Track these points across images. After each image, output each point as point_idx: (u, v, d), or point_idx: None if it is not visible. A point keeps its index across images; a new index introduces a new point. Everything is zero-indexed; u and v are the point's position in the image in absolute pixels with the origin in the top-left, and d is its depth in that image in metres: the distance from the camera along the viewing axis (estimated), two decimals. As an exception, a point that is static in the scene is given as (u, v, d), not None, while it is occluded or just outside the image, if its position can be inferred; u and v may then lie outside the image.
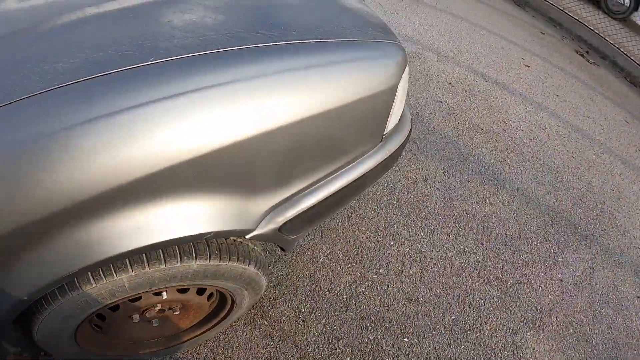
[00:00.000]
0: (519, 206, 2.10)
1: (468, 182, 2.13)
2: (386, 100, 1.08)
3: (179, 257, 0.89)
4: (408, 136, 1.32)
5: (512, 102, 2.90)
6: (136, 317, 1.03)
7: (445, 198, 2.00)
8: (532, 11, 4.73)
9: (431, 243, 1.78)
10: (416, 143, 2.30)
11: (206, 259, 0.94)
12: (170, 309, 1.09)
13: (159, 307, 1.05)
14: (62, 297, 0.82)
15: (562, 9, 4.45)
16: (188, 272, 0.93)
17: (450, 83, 2.90)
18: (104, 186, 0.68)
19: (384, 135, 1.18)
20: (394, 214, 1.85)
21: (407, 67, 1.14)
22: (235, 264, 1.00)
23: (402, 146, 1.29)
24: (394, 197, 1.93)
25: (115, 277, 0.83)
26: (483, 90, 2.91)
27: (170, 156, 0.73)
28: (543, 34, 4.23)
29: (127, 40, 0.78)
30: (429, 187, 2.04)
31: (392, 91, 1.08)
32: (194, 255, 0.92)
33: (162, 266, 0.88)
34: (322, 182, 1.09)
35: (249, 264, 1.05)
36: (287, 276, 1.55)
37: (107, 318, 1.01)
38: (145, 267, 0.85)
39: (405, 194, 1.97)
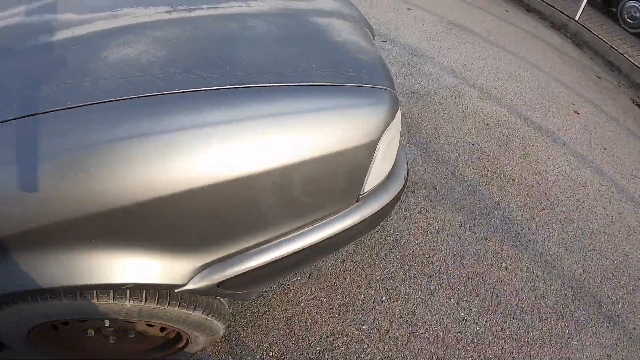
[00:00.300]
0: (539, 274, 1.91)
1: (486, 239, 1.97)
2: (361, 158, 0.96)
3: (111, 296, 0.88)
4: (398, 196, 1.18)
5: (554, 152, 2.69)
6: (91, 332, 1.03)
7: (455, 255, 1.85)
8: (591, 52, 4.41)
9: (428, 305, 1.64)
10: (435, 188, 2.16)
11: (141, 301, 0.91)
12: (125, 331, 1.07)
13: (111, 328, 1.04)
14: (11, 306, 0.85)
15: (622, 52, 4.12)
16: (122, 310, 0.91)
17: (487, 124, 2.73)
18: (30, 225, 0.70)
19: (360, 195, 1.05)
20: (393, 266, 1.73)
21: (396, 118, 1.00)
22: (176, 308, 0.96)
23: (387, 207, 1.15)
24: (397, 247, 1.81)
25: (49, 302, 0.85)
26: (523, 136, 2.72)
27: (86, 207, 0.71)
28: (599, 78, 3.93)
29: (56, 79, 0.76)
30: (439, 240, 1.90)
31: (369, 148, 0.95)
32: (127, 296, 0.90)
33: (94, 301, 0.87)
34: (275, 241, 0.98)
35: (194, 309, 1.00)
36: (262, 315, 1.47)
37: (60, 328, 1.01)
38: (77, 299, 0.86)
39: (412, 244, 1.84)
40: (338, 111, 0.90)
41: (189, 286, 0.89)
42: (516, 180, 2.36)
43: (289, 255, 1.00)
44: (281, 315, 1.48)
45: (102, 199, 0.71)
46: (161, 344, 1.22)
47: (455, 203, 2.10)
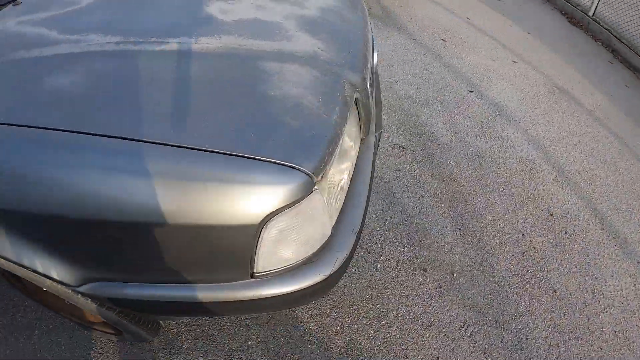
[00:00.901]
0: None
1: (485, 353, 1.67)
2: (242, 238, 0.89)
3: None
4: (314, 288, 1.01)
5: (621, 269, 2.23)
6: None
7: (437, 359, 1.60)
8: None
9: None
10: (453, 274, 1.90)
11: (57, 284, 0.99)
12: None
13: None
14: None
15: None
16: (44, 284, 0.99)
17: (551, 214, 2.35)
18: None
19: (255, 273, 0.97)
20: (360, 344, 1.54)
21: (302, 205, 0.88)
22: (83, 300, 1.03)
23: (296, 296, 1.01)
24: (374, 325, 1.62)
25: None
26: (590, 239, 2.29)
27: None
28: None
29: None
30: (427, 335, 1.65)
31: (250, 230, 0.87)
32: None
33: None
34: (157, 283, 1.00)
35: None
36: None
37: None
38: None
39: (392, 329, 1.63)
40: (218, 183, 0.83)
41: (82, 289, 1.00)
42: (558, 293, 1.99)
43: (171, 301, 1.02)
44: None
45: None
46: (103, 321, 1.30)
47: (468, 298, 1.83)
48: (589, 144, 2.95)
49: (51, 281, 0.97)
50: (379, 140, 1.56)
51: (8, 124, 0.86)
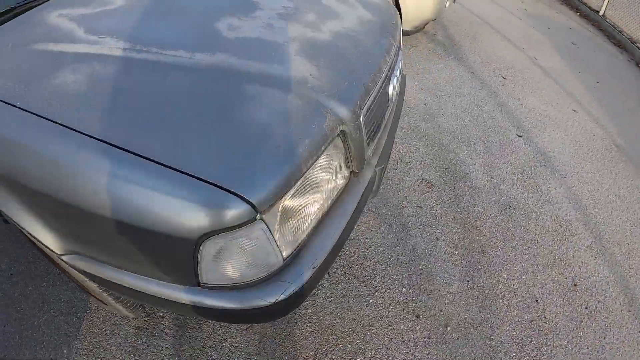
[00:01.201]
0: None
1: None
2: (182, 250, 0.93)
3: None
4: (251, 310, 1.04)
5: (647, 360, 2.01)
6: None
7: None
8: None
9: None
10: (447, 327, 1.80)
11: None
12: None
13: None
14: None
15: None
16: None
17: (575, 284, 2.17)
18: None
19: (201, 282, 1.02)
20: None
21: (242, 232, 0.91)
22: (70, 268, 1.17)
23: (233, 313, 1.05)
24: (327, 343, 1.56)
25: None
26: (614, 320, 2.08)
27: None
28: None
29: None
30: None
31: (189, 245, 0.91)
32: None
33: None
34: (116, 268, 1.09)
35: (88, 279, 1.21)
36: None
37: None
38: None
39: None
40: (163, 195, 0.88)
41: (64, 259, 1.12)
42: (560, 372, 1.82)
43: (127, 287, 1.11)
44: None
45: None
46: None
47: (456, 357, 1.72)
48: (637, 213, 2.69)
49: (44, 245, 1.10)
50: (380, 176, 1.50)
51: (11, 104, 0.98)
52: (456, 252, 2.16)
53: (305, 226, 1.12)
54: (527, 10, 5.61)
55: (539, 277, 2.13)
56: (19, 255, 1.86)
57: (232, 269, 0.99)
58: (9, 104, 0.99)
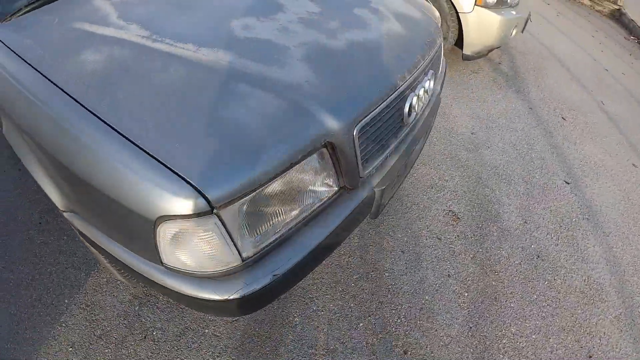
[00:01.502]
0: None
1: None
2: (143, 227, 0.99)
3: None
4: (204, 303, 1.08)
5: None
6: None
7: None
8: None
9: None
10: (431, 376, 1.69)
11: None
12: None
13: None
14: None
15: None
16: None
17: (590, 356, 1.97)
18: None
19: (164, 264, 1.06)
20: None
21: (192, 223, 0.94)
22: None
23: (190, 299, 1.08)
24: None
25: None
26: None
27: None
28: None
29: None
30: None
31: (149, 224, 0.96)
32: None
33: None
34: (95, 231, 1.19)
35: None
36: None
37: None
38: None
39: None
40: (131, 173, 0.93)
41: (65, 215, 1.24)
42: None
43: (106, 251, 1.20)
44: None
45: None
46: None
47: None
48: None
49: (51, 201, 1.22)
50: (381, 197, 1.42)
51: (41, 73, 1.10)
52: (466, 294, 2.03)
53: (272, 232, 1.11)
54: (604, 51, 5.20)
55: (551, 339, 1.95)
56: (51, 208, 1.99)
57: (189, 257, 1.02)
58: (40, 72, 1.10)
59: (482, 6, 3.13)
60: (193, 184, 0.91)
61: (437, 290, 2.02)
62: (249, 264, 1.07)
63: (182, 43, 1.20)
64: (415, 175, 2.70)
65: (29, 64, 1.12)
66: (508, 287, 2.12)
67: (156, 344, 1.63)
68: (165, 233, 0.97)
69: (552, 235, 2.48)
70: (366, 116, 1.21)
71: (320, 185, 1.20)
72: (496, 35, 3.22)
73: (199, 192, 0.90)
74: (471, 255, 2.23)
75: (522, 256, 2.30)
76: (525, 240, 2.41)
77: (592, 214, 2.70)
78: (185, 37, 1.22)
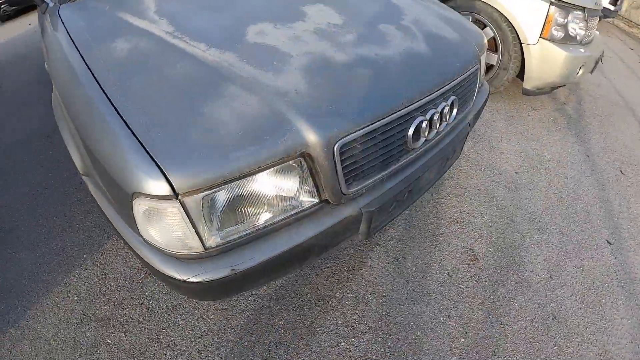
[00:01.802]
0: None
1: None
2: (126, 200, 1.08)
3: None
4: (168, 279, 1.16)
5: None
6: None
7: None
8: None
9: None
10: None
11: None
12: None
13: None
14: None
15: None
16: None
17: None
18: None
19: (140, 235, 1.16)
20: None
21: (164, 204, 1.02)
22: None
23: (159, 272, 1.16)
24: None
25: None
26: None
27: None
28: None
29: None
30: None
31: (126, 196, 1.05)
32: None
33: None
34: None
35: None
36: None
37: None
38: None
39: None
40: (120, 149, 1.04)
41: (83, 178, 1.44)
42: None
43: (103, 214, 1.36)
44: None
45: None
46: None
47: None
48: None
49: (74, 163, 1.39)
50: (367, 219, 1.36)
51: (79, 53, 1.27)
52: (462, 340, 1.92)
53: (238, 228, 1.14)
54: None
55: (546, 407, 1.80)
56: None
57: (159, 234, 1.10)
58: (79, 53, 1.26)
59: (547, 39, 2.94)
60: (162, 168, 0.98)
61: (432, 328, 1.92)
62: (212, 254, 1.13)
63: (196, 42, 1.28)
64: (442, 205, 2.60)
65: (74, 45, 1.27)
66: (511, 343, 1.97)
67: (149, 312, 1.77)
68: (138, 208, 1.06)
69: (577, 296, 2.28)
70: (351, 133, 1.17)
71: (299, 194, 1.20)
72: (559, 72, 3.01)
73: (166, 177, 0.98)
74: (480, 300, 2.11)
75: (536, 313, 2.14)
76: (545, 296, 2.23)
77: (630, 282, 2.45)
78: (201, 36, 1.30)
